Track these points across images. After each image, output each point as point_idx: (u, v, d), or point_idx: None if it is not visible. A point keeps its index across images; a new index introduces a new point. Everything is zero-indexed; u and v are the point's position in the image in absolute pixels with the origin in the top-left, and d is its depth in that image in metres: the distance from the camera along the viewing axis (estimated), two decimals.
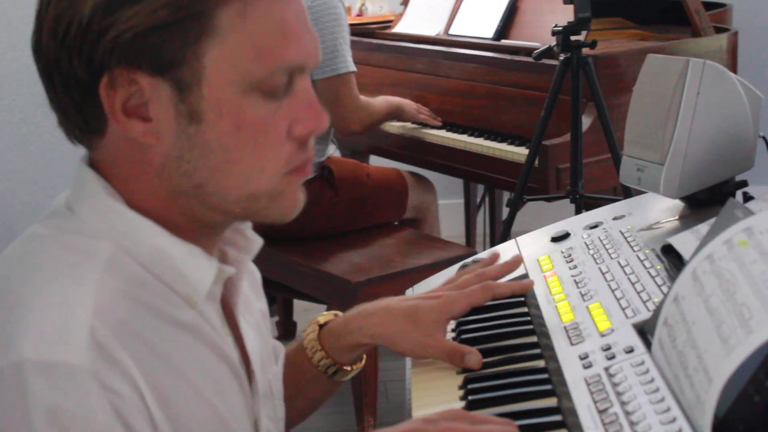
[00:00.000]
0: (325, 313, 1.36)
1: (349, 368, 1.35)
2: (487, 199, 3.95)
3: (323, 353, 1.31)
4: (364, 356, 1.37)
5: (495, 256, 1.46)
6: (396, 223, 3.27)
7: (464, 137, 3.20)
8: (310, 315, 3.95)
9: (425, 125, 3.37)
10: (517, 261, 1.42)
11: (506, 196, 3.89)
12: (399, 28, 3.77)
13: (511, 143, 3.06)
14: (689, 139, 1.41)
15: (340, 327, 1.32)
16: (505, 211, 3.91)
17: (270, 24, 0.96)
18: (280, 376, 1.25)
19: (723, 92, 1.41)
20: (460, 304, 1.31)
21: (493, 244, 3.88)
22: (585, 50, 2.51)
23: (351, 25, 3.74)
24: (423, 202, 3.37)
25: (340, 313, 1.36)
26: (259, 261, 1.21)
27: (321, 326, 1.34)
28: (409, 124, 3.41)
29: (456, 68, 3.34)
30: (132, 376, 0.92)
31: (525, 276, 1.44)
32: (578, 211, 2.55)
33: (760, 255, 0.97)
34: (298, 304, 3.74)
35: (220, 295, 1.07)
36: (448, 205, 4.34)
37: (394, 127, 3.44)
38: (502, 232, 2.57)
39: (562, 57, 2.48)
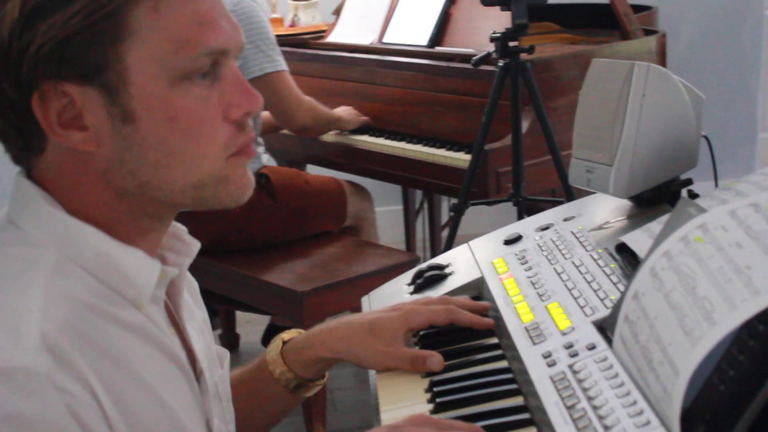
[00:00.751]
0: (289, 330, 1.38)
1: (310, 383, 1.37)
2: (425, 205, 3.99)
3: (285, 367, 1.34)
4: (326, 373, 1.39)
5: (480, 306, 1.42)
6: (335, 231, 3.29)
7: (402, 144, 3.23)
8: (253, 327, 3.95)
9: (363, 132, 3.39)
10: (488, 324, 1.36)
11: (445, 201, 3.94)
12: (333, 38, 3.78)
13: (449, 149, 3.09)
14: (636, 141, 1.45)
15: (303, 342, 1.35)
16: (444, 217, 3.96)
17: (184, 15, 0.98)
18: (226, 378, 1.26)
19: (667, 94, 1.46)
20: (420, 317, 1.34)
21: (433, 249, 3.91)
22: (523, 55, 2.55)
23: (284, 36, 3.77)
24: (361, 210, 3.39)
25: (303, 331, 1.38)
26: (201, 273, 1.23)
27: (285, 342, 1.36)
28: (346, 133, 3.43)
29: (392, 76, 3.37)
30: (85, 378, 0.93)
31: (481, 279, 1.47)
32: (520, 214, 2.59)
33: (716, 250, 1.00)
34: (241, 316, 3.74)
35: (164, 299, 1.09)
36: (387, 212, 4.37)
37: (330, 135, 3.46)
38: (447, 237, 2.60)
39: (501, 63, 2.53)
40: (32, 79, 0.96)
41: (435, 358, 1.28)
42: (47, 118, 0.97)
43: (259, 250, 3.05)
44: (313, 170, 3.69)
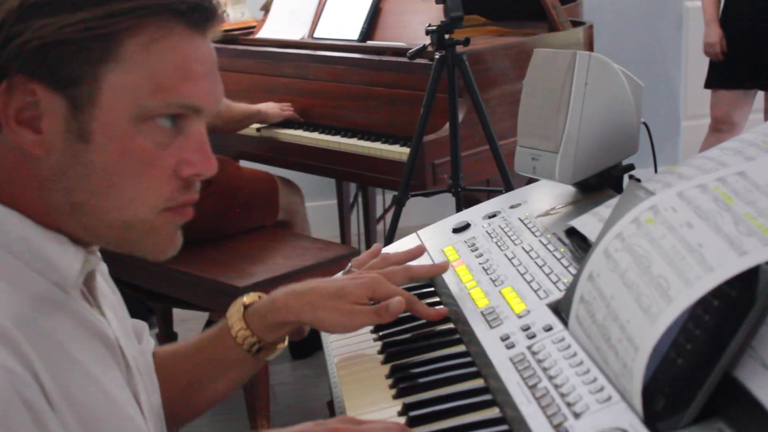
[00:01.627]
0: (250, 294, 1.39)
1: (273, 346, 1.37)
2: (360, 198, 4.01)
3: (248, 332, 1.34)
4: (287, 337, 1.40)
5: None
6: (269, 226, 3.29)
7: (337, 138, 3.25)
8: (190, 325, 3.94)
9: (296, 127, 3.41)
10: (420, 249, 1.47)
11: (379, 193, 3.97)
12: (263, 34, 3.78)
13: (384, 142, 3.12)
14: (580, 128, 1.49)
15: (267, 306, 1.35)
16: (379, 210, 3.99)
17: (171, 62, 0.99)
18: (146, 352, 1.27)
19: (608, 82, 1.50)
20: (386, 289, 1.35)
21: (368, 242, 3.94)
22: (458, 48, 2.58)
23: None
24: (292, 204, 3.40)
25: (264, 295, 1.38)
26: (138, 272, 1.23)
27: (246, 307, 1.36)
28: (279, 129, 3.44)
29: (324, 71, 3.38)
30: (26, 356, 0.94)
31: None
32: (459, 204, 2.62)
33: (668, 230, 1.04)
34: (177, 315, 3.71)
35: (83, 282, 1.10)
36: (321, 206, 4.38)
37: (263, 131, 3.46)
38: (389, 229, 2.63)
39: (437, 55, 2.56)
40: (7, 68, 0.96)
41: (395, 300, 1.31)
42: (6, 109, 0.97)
43: (196, 246, 3.03)
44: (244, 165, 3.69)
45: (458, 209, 2.61)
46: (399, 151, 3.01)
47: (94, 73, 0.97)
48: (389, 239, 2.59)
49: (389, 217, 4.08)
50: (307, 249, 3.03)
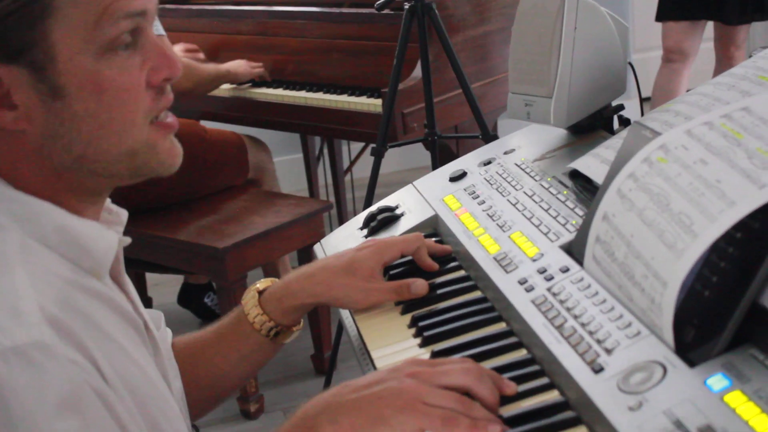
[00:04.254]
0: (262, 280, 1.41)
1: (291, 329, 1.40)
2: (326, 151, 4.02)
3: (265, 317, 1.37)
4: (301, 321, 1.43)
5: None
6: (240, 185, 3.30)
7: (303, 93, 3.26)
8: (163, 289, 3.93)
9: (260, 85, 3.40)
10: (447, 250, 1.47)
11: (345, 145, 3.99)
12: None
13: (351, 94, 3.13)
14: (572, 72, 1.52)
15: (282, 290, 1.38)
16: (345, 161, 4.01)
17: None
18: (166, 338, 1.30)
19: (596, 25, 1.53)
20: (392, 249, 1.39)
21: (337, 194, 3.95)
22: None
23: None
24: (260, 161, 3.41)
25: (276, 280, 1.41)
26: None
27: (260, 292, 1.39)
28: (244, 87, 3.43)
29: (283, 26, 3.38)
30: (85, 347, 0.96)
31: (435, 217, 1.53)
32: (434, 152, 2.65)
33: (682, 168, 1.08)
34: (150, 279, 3.72)
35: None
36: (286, 161, 4.38)
37: (227, 90, 3.45)
38: (369, 181, 2.63)
39: (406, 5, 2.56)
40: None
41: (419, 282, 1.34)
42: None
43: (168, 210, 3.04)
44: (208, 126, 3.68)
45: (434, 157, 2.64)
46: (366, 103, 3.03)
47: (41, 32, 0.97)
48: (370, 191, 2.61)
49: (356, 168, 4.11)
50: (282, 206, 3.04)
